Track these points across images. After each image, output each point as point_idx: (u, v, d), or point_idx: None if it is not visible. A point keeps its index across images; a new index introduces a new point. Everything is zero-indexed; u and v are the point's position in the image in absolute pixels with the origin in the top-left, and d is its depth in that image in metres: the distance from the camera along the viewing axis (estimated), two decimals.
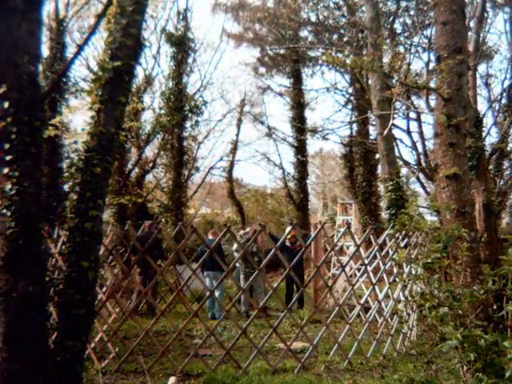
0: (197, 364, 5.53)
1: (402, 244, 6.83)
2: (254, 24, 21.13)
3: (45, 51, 12.98)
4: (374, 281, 6.84)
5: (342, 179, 25.57)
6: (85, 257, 3.73)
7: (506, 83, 12.53)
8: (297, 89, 21.02)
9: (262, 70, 22.91)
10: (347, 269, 8.13)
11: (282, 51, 21.31)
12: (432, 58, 12.94)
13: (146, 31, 16.42)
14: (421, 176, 14.49)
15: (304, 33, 21.05)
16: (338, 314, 6.60)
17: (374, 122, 17.15)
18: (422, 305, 3.80)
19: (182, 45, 16.33)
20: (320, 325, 6.76)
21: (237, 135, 21.29)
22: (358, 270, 9.27)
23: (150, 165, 17.68)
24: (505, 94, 12.34)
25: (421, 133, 13.26)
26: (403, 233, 6.75)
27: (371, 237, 7.23)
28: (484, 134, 10.51)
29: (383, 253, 7.17)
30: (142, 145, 16.90)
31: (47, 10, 13.81)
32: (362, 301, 6.78)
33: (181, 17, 16.82)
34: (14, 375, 3.27)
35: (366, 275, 7.15)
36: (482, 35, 11.49)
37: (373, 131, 19.39)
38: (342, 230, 7.32)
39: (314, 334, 6.68)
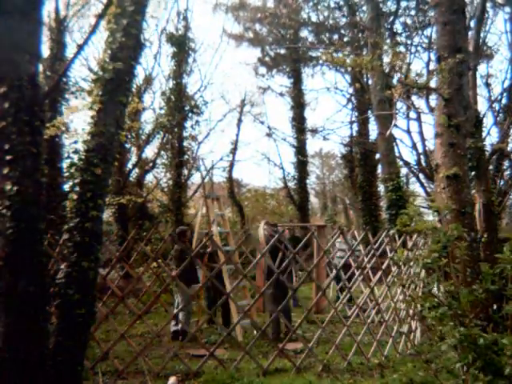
0: (197, 364, 5.52)
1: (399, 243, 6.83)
2: (254, 24, 21.14)
3: (45, 51, 12.97)
4: (372, 281, 6.84)
5: (342, 179, 25.58)
6: (85, 257, 3.73)
7: (506, 83, 12.52)
8: (297, 89, 21.02)
9: (263, 69, 22.95)
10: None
11: (282, 51, 21.33)
12: (432, 57, 12.94)
13: (147, 31, 16.44)
14: (421, 176, 14.49)
15: (304, 33, 21.08)
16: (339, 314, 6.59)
17: (374, 122, 17.15)
18: (422, 305, 3.80)
19: (182, 45, 16.35)
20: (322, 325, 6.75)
21: (237, 135, 21.31)
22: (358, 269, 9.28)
23: (150, 165, 17.68)
24: (505, 94, 12.34)
25: (421, 133, 13.26)
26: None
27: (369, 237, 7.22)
28: (484, 134, 10.51)
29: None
30: (142, 145, 16.90)
31: (47, 9, 13.81)
32: (359, 301, 6.78)
33: (181, 17, 16.85)
34: (14, 375, 3.27)
35: (362, 277, 7.15)
36: (482, 35, 11.48)
37: (373, 131, 19.41)
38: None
39: (314, 334, 6.69)
